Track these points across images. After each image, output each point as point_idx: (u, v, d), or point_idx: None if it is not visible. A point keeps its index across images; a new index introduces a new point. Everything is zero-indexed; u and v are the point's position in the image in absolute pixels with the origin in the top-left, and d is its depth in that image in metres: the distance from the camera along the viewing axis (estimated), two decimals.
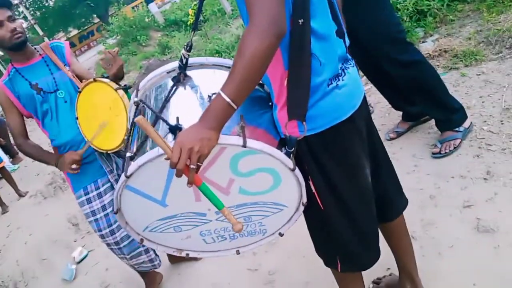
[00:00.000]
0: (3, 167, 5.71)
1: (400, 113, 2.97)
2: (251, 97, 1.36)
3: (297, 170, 1.27)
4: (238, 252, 1.58)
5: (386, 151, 1.59)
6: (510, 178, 2.22)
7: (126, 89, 1.98)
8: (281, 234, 1.50)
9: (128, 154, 1.28)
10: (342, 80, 1.27)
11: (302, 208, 1.40)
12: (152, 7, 14.21)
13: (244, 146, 1.14)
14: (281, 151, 1.23)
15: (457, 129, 2.57)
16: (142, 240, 1.51)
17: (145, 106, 1.37)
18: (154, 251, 2.44)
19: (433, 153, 2.60)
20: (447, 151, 2.54)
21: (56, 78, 2.12)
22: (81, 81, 2.09)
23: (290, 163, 1.24)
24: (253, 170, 1.26)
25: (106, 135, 1.98)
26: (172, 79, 1.40)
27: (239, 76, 1.05)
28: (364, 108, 1.41)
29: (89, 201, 2.21)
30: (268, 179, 1.29)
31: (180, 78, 1.39)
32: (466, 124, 2.59)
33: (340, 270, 1.54)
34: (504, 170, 2.28)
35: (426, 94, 2.52)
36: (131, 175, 1.22)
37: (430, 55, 3.62)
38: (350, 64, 1.34)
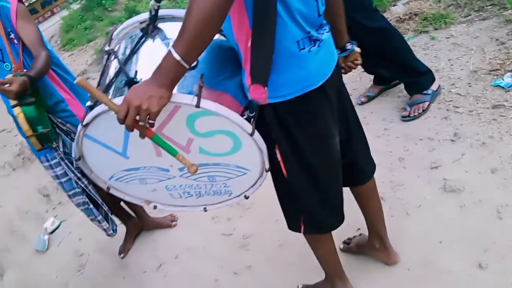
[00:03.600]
0: None
1: (371, 77, 2.98)
2: (222, 58, 1.33)
3: (256, 135, 1.24)
4: (205, 209, 1.60)
5: (358, 117, 1.59)
6: (476, 139, 2.29)
7: (27, 104, 1.83)
8: (246, 197, 1.50)
9: (88, 103, 1.25)
10: (315, 46, 1.23)
11: (265, 174, 1.40)
12: None
13: (198, 106, 1.11)
14: (243, 115, 1.21)
15: (425, 92, 2.61)
16: (108, 188, 1.53)
17: (114, 56, 1.32)
18: (106, 221, 2.48)
19: (403, 116, 2.64)
20: (416, 114, 2.59)
21: None
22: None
23: (248, 127, 1.20)
24: (211, 131, 1.24)
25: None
26: (141, 30, 1.35)
27: (188, 34, 0.99)
28: (336, 75, 1.37)
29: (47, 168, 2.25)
30: (228, 141, 1.27)
31: (149, 30, 1.33)
32: (434, 87, 2.63)
33: (303, 233, 1.58)
34: (471, 132, 2.35)
35: (394, 59, 2.57)
36: (87, 124, 1.22)
37: (400, 18, 3.61)
38: (325, 29, 1.29)
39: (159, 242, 2.71)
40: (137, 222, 2.80)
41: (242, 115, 1.22)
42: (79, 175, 2.21)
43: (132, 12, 9.09)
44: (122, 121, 1.04)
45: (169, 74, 1.03)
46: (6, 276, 3.18)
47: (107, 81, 1.28)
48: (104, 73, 1.35)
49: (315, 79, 1.25)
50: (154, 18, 1.33)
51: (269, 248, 2.27)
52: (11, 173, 4.96)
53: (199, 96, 1.12)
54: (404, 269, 1.85)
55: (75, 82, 1.09)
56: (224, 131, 1.23)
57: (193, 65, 1.13)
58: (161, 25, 1.36)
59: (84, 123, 1.21)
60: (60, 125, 2.15)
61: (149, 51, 1.31)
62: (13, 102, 1.81)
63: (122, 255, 2.73)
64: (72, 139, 2.16)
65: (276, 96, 1.22)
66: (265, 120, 1.28)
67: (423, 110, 2.59)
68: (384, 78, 2.86)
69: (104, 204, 2.38)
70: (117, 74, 1.27)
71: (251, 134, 1.21)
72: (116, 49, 1.39)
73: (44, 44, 2.00)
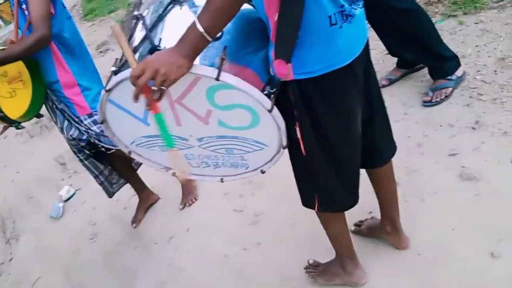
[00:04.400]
0: None
1: (394, 60, 2.91)
2: (248, 30, 1.29)
3: (275, 112, 1.22)
4: (222, 180, 1.60)
5: (382, 98, 1.54)
6: (498, 128, 2.23)
7: None
8: (262, 172, 1.50)
9: (112, 68, 1.25)
10: (347, 21, 1.15)
11: (282, 151, 1.39)
12: None
13: (217, 79, 1.09)
14: (264, 91, 1.19)
15: (449, 77, 2.54)
16: (130, 152, 1.58)
17: (142, 21, 1.30)
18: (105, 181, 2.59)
19: (424, 101, 2.58)
20: (438, 99, 2.52)
21: None
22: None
23: (267, 103, 1.18)
24: (231, 104, 1.22)
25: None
26: None
27: (213, 6, 1.00)
28: (365, 54, 1.33)
29: None
30: (246, 116, 1.25)
31: None
32: (459, 72, 2.55)
33: (317, 210, 1.56)
34: (493, 120, 2.28)
35: (420, 42, 2.49)
36: (110, 89, 1.23)
37: (429, 1, 3.49)
38: (358, 5, 1.21)
39: (171, 215, 2.74)
40: (150, 194, 2.84)
41: (263, 90, 1.20)
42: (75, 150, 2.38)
43: None
44: (135, 78, 1.03)
45: (192, 45, 1.03)
46: (21, 240, 3.26)
47: (132, 47, 1.26)
48: (131, 38, 1.34)
49: (344, 57, 1.20)
50: None
51: (280, 226, 2.26)
52: (28, 140, 5.05)
53: (220, 68, 1.10)
54: (415, 254, 1.83)
55: (110, 26, 1.10)
56: (243, 106, 1.22)
57: (217, 36, 1.12)
58: None
59: (108, 88, 1.23)
60: (56, 102, 2.17)
61: (176, 19, 1.29)
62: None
63: (134, 225, 2.77)
64: (66, 119, 2.21)
65: (303, 72, 1.19)
66: (288, 96, 1.24)
67: (446, 96, 2.52)
68: (407, 61, 2.78)
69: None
70: (142, 40, 1.26)
71: (270, 111, 1.20)
72: (144, 14, 1.37)
73: (46, 23, 1.85)
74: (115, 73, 1.22)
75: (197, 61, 1.10)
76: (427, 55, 2.54)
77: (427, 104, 2.56)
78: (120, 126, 1.45)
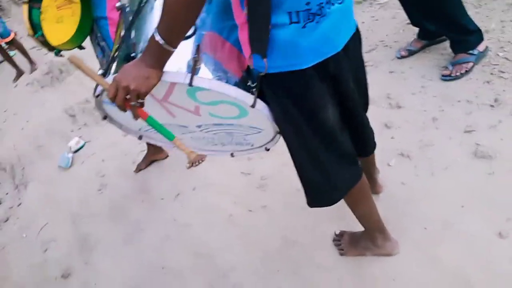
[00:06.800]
0: (14, 39, 5.74)
1: (415, 31, 2.82)
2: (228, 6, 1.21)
3: (259, 105, 1.20)
4: (232, 155, 1.64)
5: (368, 92, 1.49)
6: None
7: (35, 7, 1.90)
8: (267, 149, 1.53)
9: (99, 72, 1.26)
10: (313, 21, 1.06)
11: (278, 135, 1.39)
12: None
13: (190, 85, 1.08)
14: (244, 84, 1.17)
15: (471, 52, 2.46)
16: (140, 137, 1.62)
17: (123, 15, 1.31)
18: None
19: (443, 75, 2.51)
20: (457, 74, 2.46)
21: None
22: None
23: (249, 99, 1.16)
24: (215, 101, 1.21)
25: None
26: None
27: (168, 17, 0.97)
28: (352, 47, 1.23)
29: None
30: (233, 109, 1.24)
31: None
32: (481, 47, 2.47)
33: (308, 204, 1.54)
34: None
35: (444, 13, 2.39)
36: (99, 95, 1.26)
37: None
38: (337, 1, 1.10)
39: (179, 172, 2.75)
40: (158, 149, 2.87)
41: (244, 81, 1.18)
42: None
43: None
44: (112, 99, 1.05)
45: (155, 55, 1.02)
46: (29, 187, 3.31)
47: (112, 50, 1.30)
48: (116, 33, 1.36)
49: (309, 58, 1.12)
50: None
51: (286, 191, 2.27)
52: (39, 90, 5.05)
53: (192, 73, 1.09)
54: (421, 227, 1.83)
55: (68, 58, 1.10)
56: (227, 101, 1.20)
57: (189, 34, 1.11)
58: None
59: (96, 94, 1.25)
60: (99, 39, 2.14)
61: (151, 14, 1.24)
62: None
63: (134, 170, 2.89)
64: (104, 57, 2.17)
65: (269, 66, 1.13)
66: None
67: (466, 71, 2.45)
68: (429, 32, 2.70)
69: None
70: (121, 42, 1.24)
71: (253, 106, 1.18)
72: (126, 4, 1.33)
73: None
74: (103, 75, 1.24)
75: (169, 65, 1.07)
76: (450, 27, 2.45)
77: (446, 78, 2.49)
78: (123, 117, 1.43)
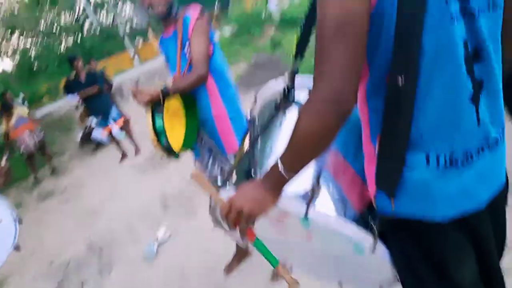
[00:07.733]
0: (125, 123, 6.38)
1: None
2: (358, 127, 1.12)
3: (380, 249, 1.03)
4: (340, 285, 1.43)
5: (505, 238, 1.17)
6: None
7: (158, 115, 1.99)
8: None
9: (219, 181, 1.28)
10: (455, 165, 0.91)
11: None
12: (271, 3, 14.37)
13: (306, 217, 1.01)
14: (364, 220, 1.04)
15: None
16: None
17: (253, 128, 1.31)
18: None
19: None
20: None
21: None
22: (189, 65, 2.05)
23: (367, 241, 1.01)
24: (329, 234, 1.08)
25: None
26: (275, 105, 1.20)
27: (293, 150, 0.93)
28: (499, 199, 1.02)
29: None
30: (348, 244, 1.08)
31: (281, 105, 1.18)
32: None
33: None
34: None
35: None
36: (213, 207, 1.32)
37: None
38: (493, 142, 0.93)
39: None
40: (246, 251, 2.70)
41: (364, 217, 1.05)
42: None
43: (276, 44, 9.44)
44: (224, 217, 1.06)
45: (274, 181, 0.99)
46: (113, 273, 3.31)
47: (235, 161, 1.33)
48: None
49: (441, 211, 0.93)
50: (288, 96, 1.16)
51: None
52: (138, 174, 5.34)
53: (308, 205, 1.02)
54: None
55: (190, 174, 1.15)
56: (342, 235, 1.05)
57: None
58: (297, 96, 1.18)
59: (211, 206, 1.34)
60: (205, 140, 2.23)
61: (279, 130, 1.20)
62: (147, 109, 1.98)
63: (225, 272, 2.71)
64: (212, 156, 2.25)
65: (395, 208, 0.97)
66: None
67: None
68: None
69: None
70: (244, 155, 1.25)
71: (372, 249, 1.02)
72: (259, 114, 1.33)
73: (205, 63, 2.01)
74: (223, 184, 1.25)
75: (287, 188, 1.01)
76: None
77: None
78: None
